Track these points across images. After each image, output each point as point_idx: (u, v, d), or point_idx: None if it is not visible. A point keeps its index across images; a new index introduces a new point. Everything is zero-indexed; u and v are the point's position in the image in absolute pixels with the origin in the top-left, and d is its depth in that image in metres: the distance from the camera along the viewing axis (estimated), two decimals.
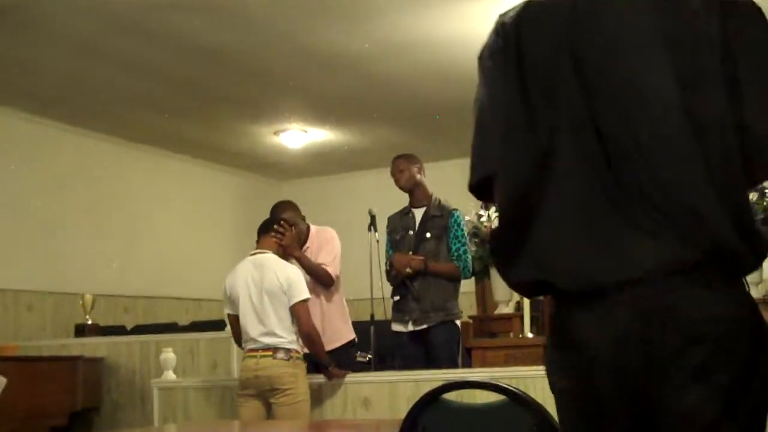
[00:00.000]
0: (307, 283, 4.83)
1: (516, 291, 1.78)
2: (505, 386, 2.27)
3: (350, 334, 5.30)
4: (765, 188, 4.74)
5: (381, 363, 6.38)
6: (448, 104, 7.56)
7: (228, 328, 6.35)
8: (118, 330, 7.69)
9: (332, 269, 5.15)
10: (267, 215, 5.11)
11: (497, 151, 1.72)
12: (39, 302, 7.98)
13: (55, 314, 7.93)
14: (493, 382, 2.35)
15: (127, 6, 5.94)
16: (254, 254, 4.77)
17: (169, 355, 5.33)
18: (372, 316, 5.85)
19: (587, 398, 1.60)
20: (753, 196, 4.72)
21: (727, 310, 1.57)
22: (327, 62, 7.20)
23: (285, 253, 4.88)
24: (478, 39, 1.79)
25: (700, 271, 1.57)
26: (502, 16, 1.72)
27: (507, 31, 1.70)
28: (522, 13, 1.68)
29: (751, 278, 4.86)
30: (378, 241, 5.62)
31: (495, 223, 5.39)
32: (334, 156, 10.06)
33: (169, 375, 5.30)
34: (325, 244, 5.25)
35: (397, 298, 5.30)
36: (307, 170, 10.69)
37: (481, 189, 1.77)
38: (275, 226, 4.86)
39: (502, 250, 1.73)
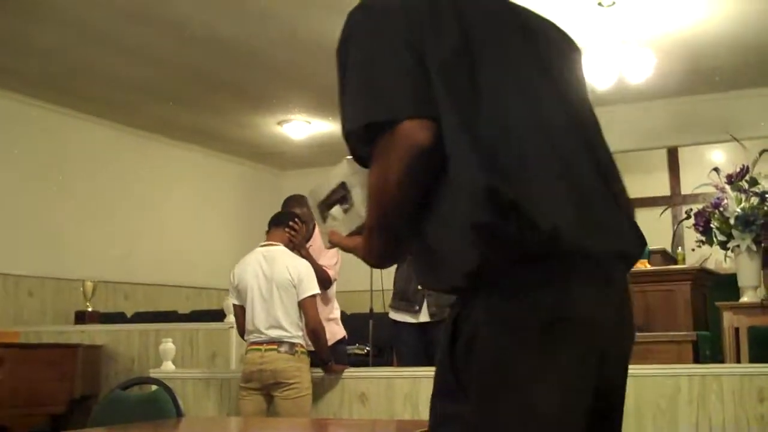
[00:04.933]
0: None
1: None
2: None
3: (342, 332, 5.29)
4: (766, 193, 4.71)
5: (378, 356, 6.40)
6: None
7: (228, 318, 6.41)
8: (118, 317, 7.72)
9: (332, 273, 5.10)
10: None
11: (420, 92, 1.43)
12: (40, 288, 8.00)
13: (55, 300, 7.95)
14: None
15: None
16: (265, 245, 4.77)
17: (168, 346, 5.34)
18: (371, 309, 5.87)
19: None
20: (753, 200, 4.70)
21: None
22: (332, 54, 7.16)
23: (293, 249, 4.88)
24: None
25: None
26: None
27: None
28: None
29: (748, 282, 4.77)
30: None
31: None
32: (336, 147, 9.99)
33: (168, 365, 5.31)
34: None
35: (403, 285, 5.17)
36: (309, 161, 10.68)
37: (360, 138, 1.47)
38: (290, 223, 4.83)
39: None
